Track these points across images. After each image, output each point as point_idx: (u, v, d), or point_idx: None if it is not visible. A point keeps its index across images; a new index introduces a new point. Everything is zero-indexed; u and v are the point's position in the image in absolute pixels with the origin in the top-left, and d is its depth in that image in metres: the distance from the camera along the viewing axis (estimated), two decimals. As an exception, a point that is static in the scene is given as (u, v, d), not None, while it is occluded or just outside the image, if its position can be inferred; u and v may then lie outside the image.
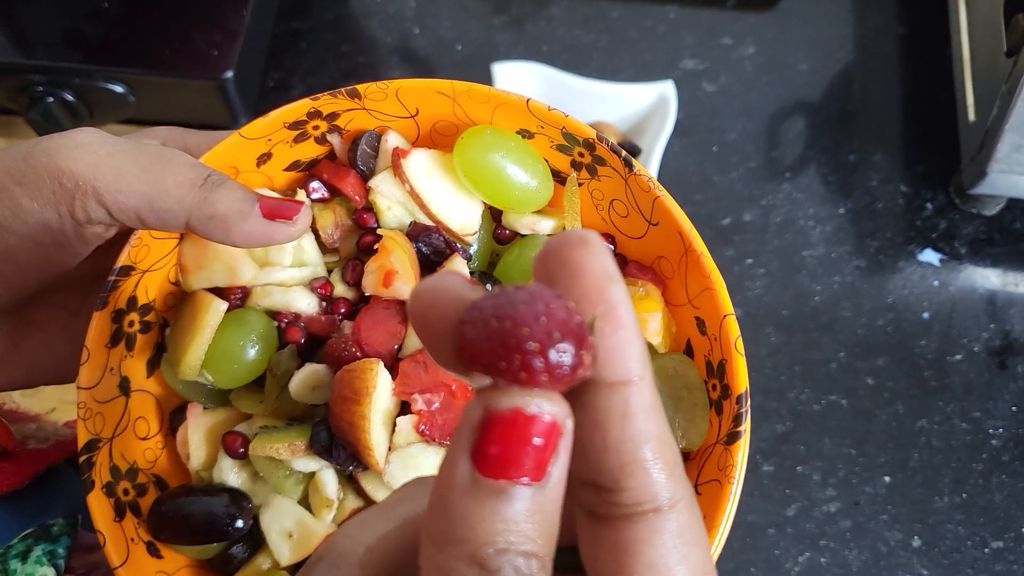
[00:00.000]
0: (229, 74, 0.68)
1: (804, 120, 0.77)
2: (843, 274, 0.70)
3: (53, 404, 0.45)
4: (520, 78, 0.72)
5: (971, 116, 0.69)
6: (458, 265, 0.40)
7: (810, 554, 0.62)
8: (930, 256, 0.71)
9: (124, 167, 0.31)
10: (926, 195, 0.73)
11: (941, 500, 0.63)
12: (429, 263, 0.41)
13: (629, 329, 0.18)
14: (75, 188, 0.30)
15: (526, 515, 0.17)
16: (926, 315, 0.69)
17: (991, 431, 0.65)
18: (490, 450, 0.17)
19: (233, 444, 0.39)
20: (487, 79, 0.72)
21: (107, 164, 0.31)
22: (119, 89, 0.69)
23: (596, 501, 0.18)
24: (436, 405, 0.37)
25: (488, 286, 0.40)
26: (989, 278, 0.70)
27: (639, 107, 0.73)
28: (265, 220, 0.33)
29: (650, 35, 0.79)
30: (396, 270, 0.39)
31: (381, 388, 0.37)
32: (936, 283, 0.70)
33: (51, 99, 0.68)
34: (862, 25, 0.80)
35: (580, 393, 0.18)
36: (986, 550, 0.62)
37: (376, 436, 0.36)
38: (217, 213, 0.32)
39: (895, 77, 0.78)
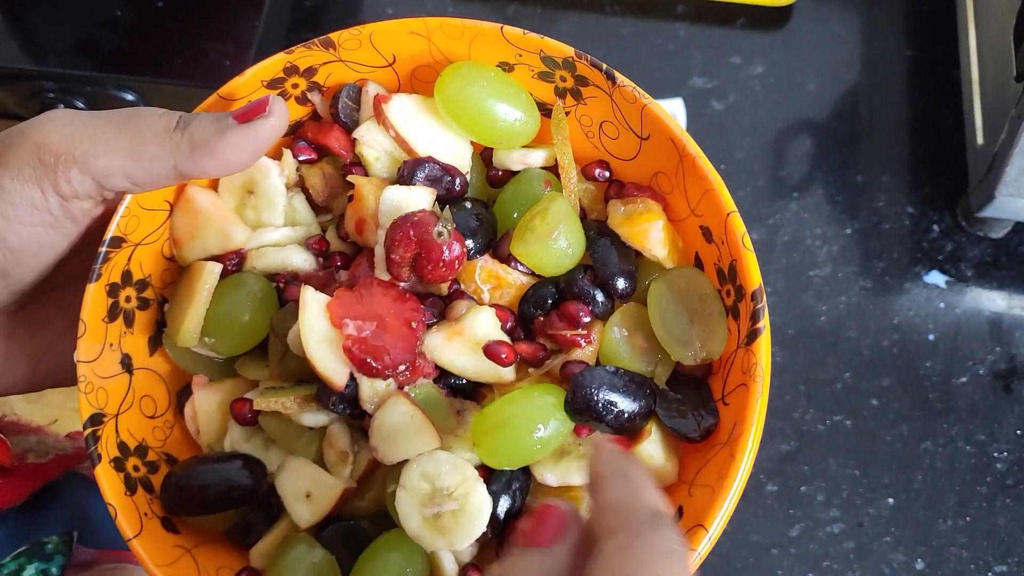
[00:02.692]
0: (240, 84, 0.69)
1: (811, 140, 0.77)
2: (849, 294, 0.70)
3: (56, 415, 0.45)
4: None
5: (979, 139, 0.69)
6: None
7: (813, 575, 0.62)
8: (936, 278, 0.71)
9: (99, 130, 0.31)
10: (933, 217, 0.73)
11: (945, 523, 0.63)
12: (440, 201, 0.40)
13: None
14: (55, 161, 0.30)
15: None
16: (931, 336, 0.69)
17: (995, 454, 0.65)
18: None
19: (241, 410, 0.38)
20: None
21: (82, 131, 0.31)
22: (130, 97, 0.69)
23: None
24: (367, 332, 0.36)
25: (470, 206, 0.40)
26: (995, 301, 0.70)
27: (648, 124, 0.73)
28: (244, 125, 0.33)
29: (660, 53, 0.80)
30: (366, 219, 0.39)
31: (309, 313, 0.36)
32: (942, 305, 0.70)
33: (62, 106, 0.69)
34: (871, 46, 0.80)
35: None
36: (989, 574, 0.62)
37: (317, 355, 0.36)
38: (197, 144, 0.32)
39: (903, 99, 0.78)
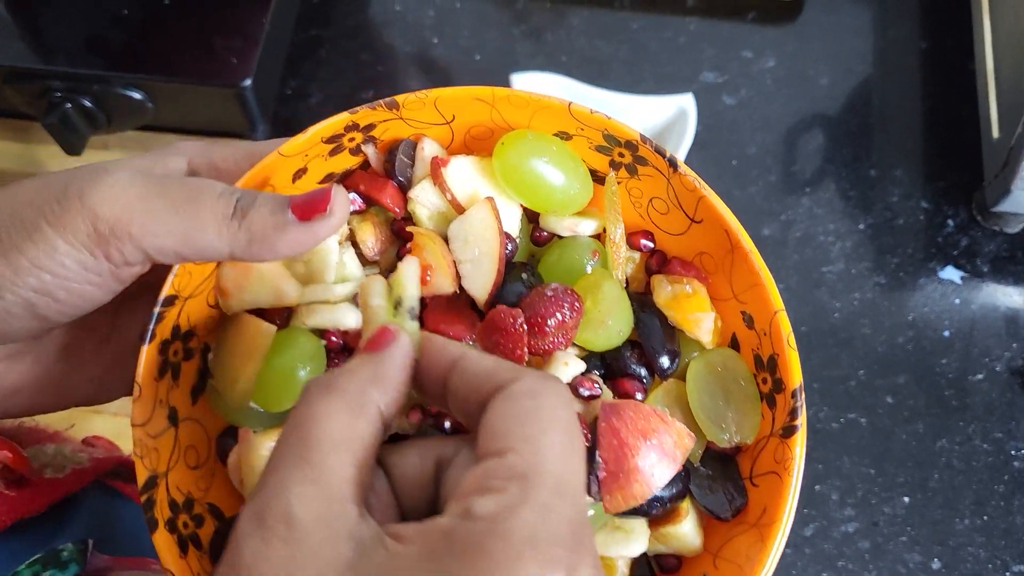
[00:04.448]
0: (248, 82, 0.68)
1: (824, 134, 0.76)
2: (863, 290, 0.70)
3: (72, 420, 0.45)
4: (539, 89, 0.71)
5: (995, 133, 0.68)
6: None
7: (828, 575, 0.61)
8: (951, 273, 0.70)
9: (156, 208, 0.31)
10: (947, 211, 0.72)
11: (961, 522, 0.62)
12: None
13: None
14: (110, 233, 0.30)
15: None
16: (947, 333, 0.68)
17: (1013, 452, 0.64)
18: None
19: None
20: (506, 89, 0.72)
21: (140, 207, 0.31)
22: (137, 96, 0.69)
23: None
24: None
25: (524, 276, 0.40)
26: (1011, 296, 0.69)
27: (659, 120, 0.72)
28: (304, 225, 0.33)
29: (670, 47, 0.79)
30: (431, 264, 0.39)
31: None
32: (957, 301, 0.69)
33: (69, 105, 0.68)
34: (883, 38, 0.79)
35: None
36: (1007, 574, 0.61)
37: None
38: (255, 237, 0.32)
39: (917, 91, 0.77)
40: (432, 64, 0.79)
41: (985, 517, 0.62)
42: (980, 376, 0.67)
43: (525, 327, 0.36)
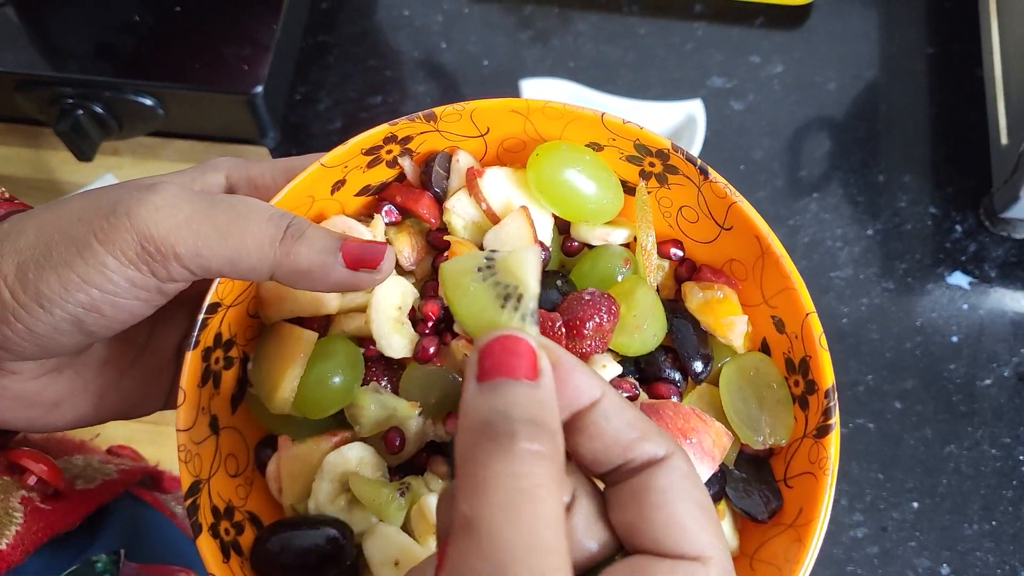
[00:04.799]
0: (259, 89, 0.69)
1: (831, 139, 0.76)
2: (871, 296, 0.70)
3: (97, 429, 0.45)
4: (547, 95, 0.72)
5: (1003, 139, 0.68)
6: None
7: (837, 580, 0.61)
8: (959, 279, 0.70)
9: (204, 231, 0.31)
10: (955, 217, 0.72)
11: (970, 527, 0.63)
12: None
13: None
14: (157, 252, 0.31)
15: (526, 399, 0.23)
16: (955, 338, 0.68)
17: (1021, 457, 0.64)
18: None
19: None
20: (515, 94, 0.72)
21: (187, 228, 0.31)
22: (148, 102, 0.69)
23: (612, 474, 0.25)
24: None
25: (558, 283, 0.41)
26: (1019, 301, 0.70)
27: (667, 125, 0.72)
28: (350, 272, 0.33)
29: (678, 52, 0.79)
30: None
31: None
32: (965, 306, 0.69)
33: (81, 112, 0.69)
34: (891, 44, 0.80)
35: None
36: (1016, 579, 0.61)
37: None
38: (300, 268, 0.32)
39: (924, 97, 0.78)
40: (440, 69, 0.79)
41: (994, 522, 0.62)
42: (988, 381, 0.67)
43: (564, 330, 0.36)
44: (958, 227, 0.72)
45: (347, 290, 0.34)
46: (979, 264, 0.71)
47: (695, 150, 0.70)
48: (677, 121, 0.72)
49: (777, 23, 0.80)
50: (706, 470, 0.34)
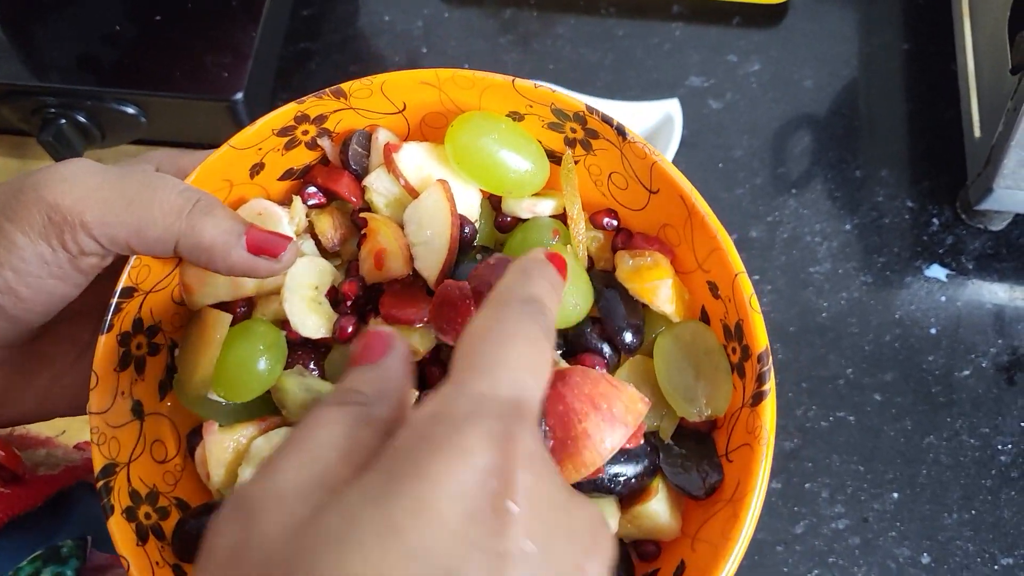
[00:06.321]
0: (239, 95, 0.69)
1: (810, 136, 0.77)
2: (850, 290, 0.70)
3: (63, 427, 0.46)
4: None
5: (977, 132, 0.69)
6: None
7: (819, 571, 0.62)
8: (937, 271, 0.71)
9: (111, 199, 0.31)
10: (932, 210, 0.73)
11: (950, 517, 0.63)
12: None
13: None
14: (63, 222, 0.31)
15: None
16: (933, 331, 0.69)
17: (1000, 447, 0.65)
18: None
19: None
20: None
21: (94, 196, 0.31)
22: (131, 111, 0.70)
23: None
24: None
25: (478, 256, 0.40)
26: (996, 293, 0.70)
27: (645, 125, 0.73)
28: (249, 257, 0.34)
29: (656, 53, 0.80)
30: (385, 248, 0.39)
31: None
32: (943, 298, 0.70)
33: (63, 121, 0.69)
34: (867, 42, 0.80)
35: None
36: (996, 567, 0.62)
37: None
38: (203, 243, 0.33)
39: (901, 93, 0.78)
40: (422, 74, 0.80)
41: (973, 511, 0.63)
42: (967, 372, 0.67)
43: (471, 298, 0.35)
44: (935, 220, 0.73)
45: (245, 275, 0.35)
46: (956, 257, 0.72)
47: (673, 149, 0.70)
48: (655, 120, 0.73)
49: (754, 22, 0.81)
50: (618, 436, 0.32)
